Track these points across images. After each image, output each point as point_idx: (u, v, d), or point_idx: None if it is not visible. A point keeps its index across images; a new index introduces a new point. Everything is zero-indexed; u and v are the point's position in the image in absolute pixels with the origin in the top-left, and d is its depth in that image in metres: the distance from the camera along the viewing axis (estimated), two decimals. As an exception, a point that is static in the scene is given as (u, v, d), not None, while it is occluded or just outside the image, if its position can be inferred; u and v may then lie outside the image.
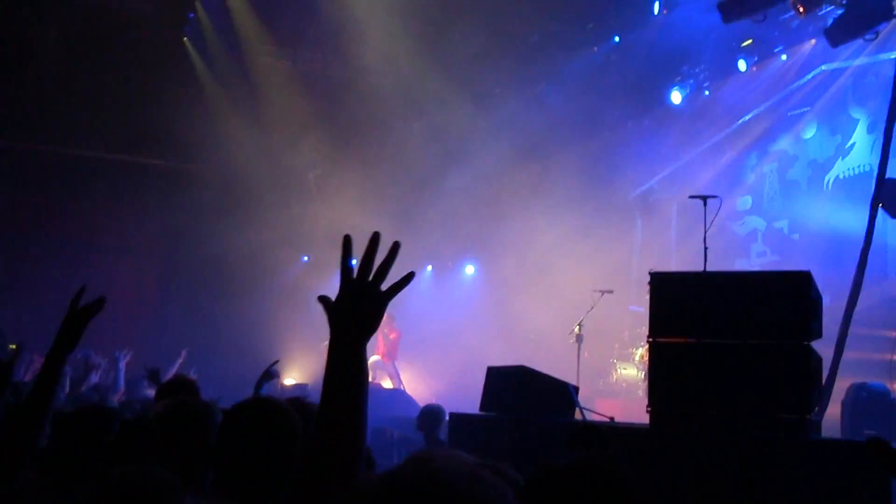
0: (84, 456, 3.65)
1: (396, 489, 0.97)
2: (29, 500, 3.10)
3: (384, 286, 1.98)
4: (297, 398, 4.12)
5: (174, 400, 3.38)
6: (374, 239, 1.98)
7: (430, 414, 8.77)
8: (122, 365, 12.20)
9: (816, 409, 6.20)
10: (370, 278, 1.99)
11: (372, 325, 1.98)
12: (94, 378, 11.05)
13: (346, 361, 1.97)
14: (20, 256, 17.04)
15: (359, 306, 1.98)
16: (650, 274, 6.39)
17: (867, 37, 11.70)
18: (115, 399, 9.88)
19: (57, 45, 15.81)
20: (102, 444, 3.50)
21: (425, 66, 15.48)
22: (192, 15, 16.62)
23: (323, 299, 2.06)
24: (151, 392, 10.23)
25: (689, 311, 6.15)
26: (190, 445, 3.16)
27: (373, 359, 16.76)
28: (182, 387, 4.99)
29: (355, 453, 1.91)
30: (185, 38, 17.06)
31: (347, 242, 2.10)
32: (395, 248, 1.96)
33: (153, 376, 9.26)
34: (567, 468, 1.86)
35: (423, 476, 0.98)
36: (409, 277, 1.98)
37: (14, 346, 8.20)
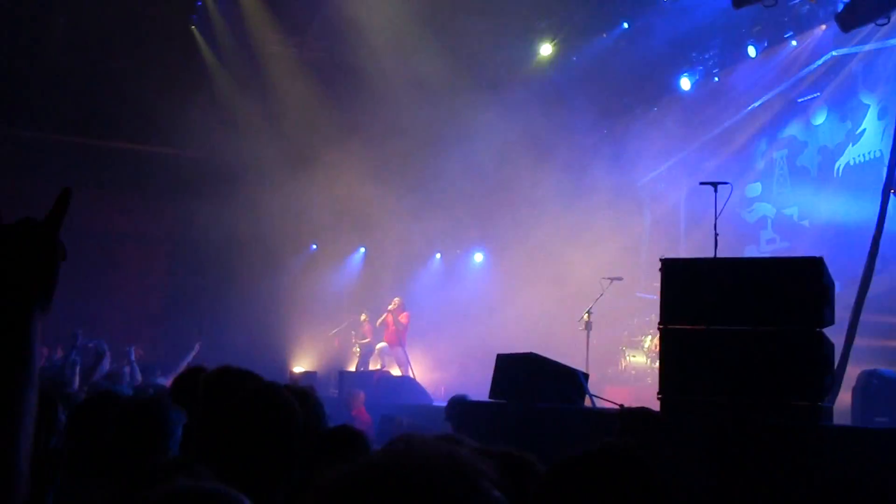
0: (103, 445, 3.64)
1: (369, 473, 0.94)
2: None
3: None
4: (300, 386, 4.12)
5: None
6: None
7: (458, 404, 8.53)
8: (134, 357, 12.31)
9: (828, 396, 6.18)
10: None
11: (43, 277, 1.45)
12: (106, 366, 11.13)
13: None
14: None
15: (23, 252, 1.45)
16: (661, 260, 6.36)
17: (879, 21, 11.59)
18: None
19: (65, 32, 15.80)
20: (119, 432, 3.50)
21: (433, 52, 15.42)
22: (199, 2, 16.59)
23: None
24: (164, 380, 10.31)
25: (700, 298, 6.12)
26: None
27: (380, 345, 16.77)
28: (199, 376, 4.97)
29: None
30: (193, 26, 17.04)
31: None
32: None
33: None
34: (597, 455, 1.83)
35: (399, 459, 0.96)
36: (65, 195, 1.55)
37: None
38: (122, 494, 2.22)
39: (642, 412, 4.94)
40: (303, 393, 3.72)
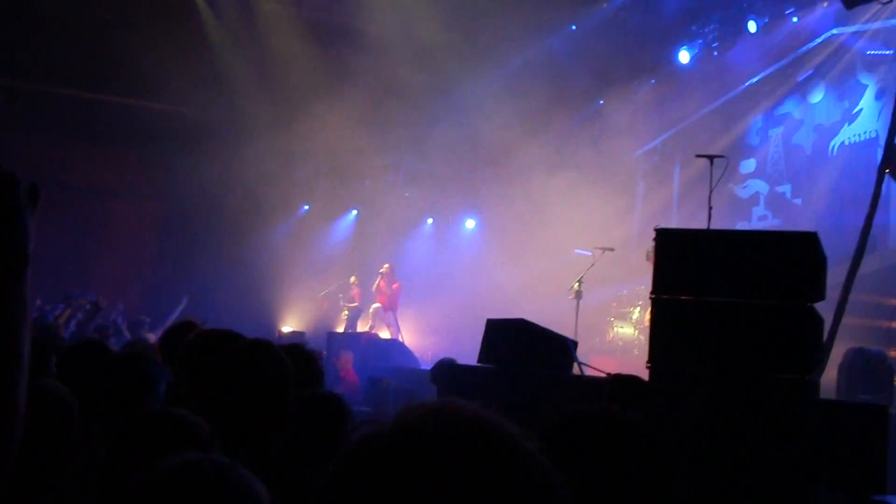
0: (87, 393, 3.64)
1: (417, 436, 0.91)
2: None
3: None
4: (295, 344, 4.13)
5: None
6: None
7: (445, 367, 8.60)
8: (120, 317, 12.35)
9: (815, 370, 6.23)
10: None
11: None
12: (98, 319, 11.18)
13: None
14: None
15: None
16: (655, 230, 6.37)
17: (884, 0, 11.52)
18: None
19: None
20: (102, 383, 3.50)
21: (432, 16, 15.31)
22: (198, -43, 16.42)
23: None
24: (151, 337, 10.34)
25: (693, 269, 6.13)
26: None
27: (374, 306, 16.80)
28: (188, 331, 4.98)
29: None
30: (190, -20, 16.86)
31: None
32: None
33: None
34: (594, 418, 1.82)
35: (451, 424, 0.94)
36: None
37: None
38: (105, 442, 2.23)
39: (632, 380, 4.96)
40: (297, 350, 3.73)
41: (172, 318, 12.40)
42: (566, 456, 1.73)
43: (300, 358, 3.54)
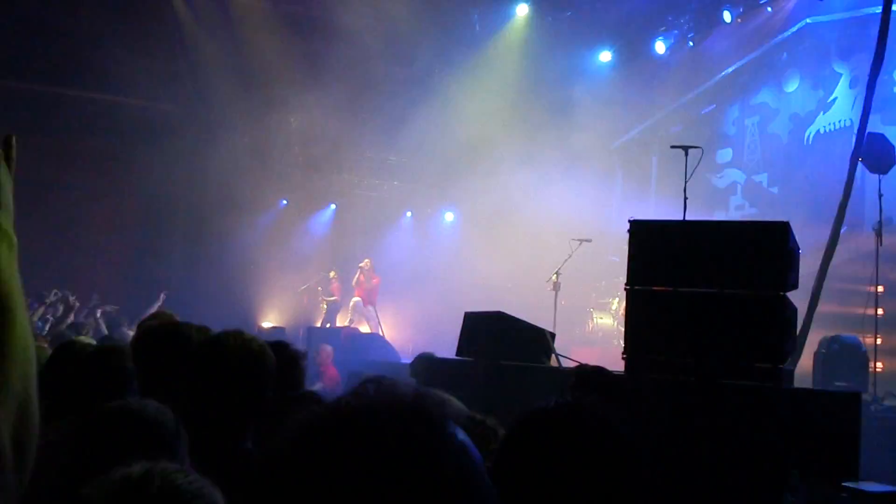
0: (63, 392, 3.62)
1: (335, 415, 0.95)
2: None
3: None
4: (279, 343, 4.10)
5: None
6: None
7: (425, 360, 8.62)
8: (100, 313, 12.28)
9: (789, 358, 6.27)
10: None
11: None
12: (71, 317, 11.11)
13: None
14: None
15: None
16: (630, 222, 6.39)
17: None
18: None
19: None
20: (77, 380, 3.48)
21: (408, 9, 15.26)
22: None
23: None
24: (130, 333, 10.29)
25: (667, 260, 6.16)
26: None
27: (354, 300, 16.79)
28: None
29: None
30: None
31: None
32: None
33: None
34: (561, 410, 1.82)
35: (365, 402, 0.97)
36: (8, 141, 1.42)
37: None
38: (79, 437, 2.21)
39: (597, 370, 4.97)
40: (280, 349, 3.71)
41: (149, 313, 12.34)
42: (534, 450, 1.74)
43: (283, 357, 3.53)
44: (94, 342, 5.49)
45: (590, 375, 4.80)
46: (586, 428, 1.79)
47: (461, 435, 0.98)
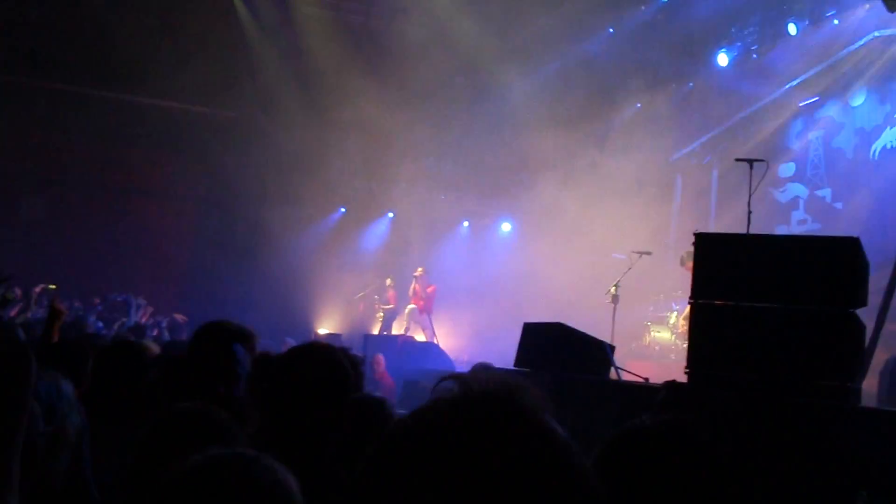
0: (123, 391, 3.69)
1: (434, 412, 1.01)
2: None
3: None
4: (343, 348, 4.13)
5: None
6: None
7: (482, 371, 8.60)
8: (165, 322, 12.54)
9: (857, 377, 6.15)
10: None
11: None
12: (133, 319, 11.33)
13: None
14: (63, 199, 17.21)
15: None
16: (695, 234, 6.32)
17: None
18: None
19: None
20: (140, 380, 3.54)
21: (469, 22, 15.32)
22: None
23: None
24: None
25: (733, 274, 6.08)
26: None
27: (410, 307, 16.84)
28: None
29: None
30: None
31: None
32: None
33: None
34: (662, 428, 1.80)
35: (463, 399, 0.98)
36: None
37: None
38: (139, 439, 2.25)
39: (685, 387, 4.92)
40: (353, 358, 3.75)
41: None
42: (630, 469, 1.72)
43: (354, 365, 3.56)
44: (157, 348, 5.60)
45: (680, 392, 4.74)
46: (691, 446, 1.77)
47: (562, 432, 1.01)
